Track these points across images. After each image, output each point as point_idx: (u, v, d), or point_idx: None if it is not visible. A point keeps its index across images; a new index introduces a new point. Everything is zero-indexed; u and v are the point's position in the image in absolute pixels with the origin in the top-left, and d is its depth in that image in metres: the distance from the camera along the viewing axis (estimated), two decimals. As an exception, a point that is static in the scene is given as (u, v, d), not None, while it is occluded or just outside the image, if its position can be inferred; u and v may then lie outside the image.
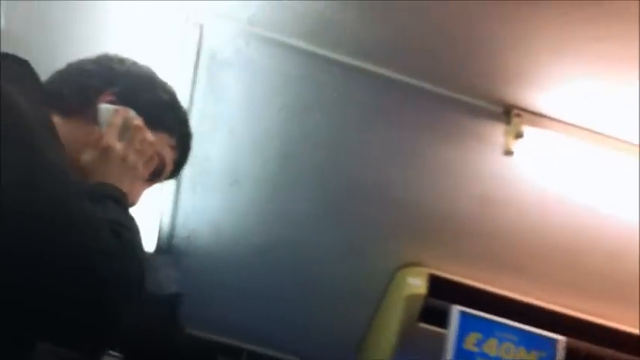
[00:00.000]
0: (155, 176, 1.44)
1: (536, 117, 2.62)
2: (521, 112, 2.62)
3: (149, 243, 3.78)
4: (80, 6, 2.62)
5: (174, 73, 2.84)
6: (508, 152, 2.68)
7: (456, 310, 3.46)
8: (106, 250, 1.05)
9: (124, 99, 1.38)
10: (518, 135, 2.61)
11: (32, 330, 1.04)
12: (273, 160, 3.19)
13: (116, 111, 1.34)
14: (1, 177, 0.95)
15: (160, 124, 1.43)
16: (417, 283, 3.59)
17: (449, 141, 2.90)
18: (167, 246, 3.83)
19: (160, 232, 3.73)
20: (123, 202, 1.25)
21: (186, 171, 3.29)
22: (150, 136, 1.37)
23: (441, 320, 3.50)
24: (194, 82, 2.88)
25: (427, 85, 2.69)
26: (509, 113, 2.65)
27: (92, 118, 1.33)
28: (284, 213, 3.49)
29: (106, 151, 1.29)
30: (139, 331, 4.65)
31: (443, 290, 3.58)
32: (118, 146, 1.30)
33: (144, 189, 1.43)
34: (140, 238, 1.22)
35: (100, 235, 1.06)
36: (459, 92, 2.69)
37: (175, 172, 1.52)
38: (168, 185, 3.40)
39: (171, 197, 3.48)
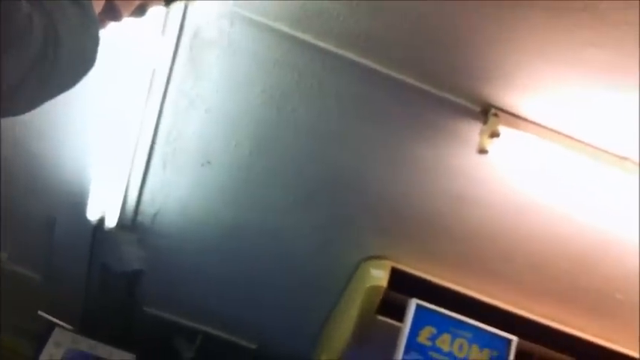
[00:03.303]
0: None
1: (514, 118, 2.64)
2: (499, 112, 2.64)
3: (112, 217, 3.74)
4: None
5: (154, 49, 2.82)
6: (482, 151, 2.70)
7: (412, 303, 3.49)
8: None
9: None
10: (494, 134, 2.62)
11: None
12: (247, 144, 3.17)
13: None
14: None
15: None
16: (378, 275, 3.60)
17: (425, 136, 2.91)
18: (132, 222, 3.79)
19: (124, 207, 3.69)
20: None
21: (158, 147, 3.28)
22: None
23: (400, 314, 3.52)
24: (174, 59, 2.85)
25: (408, 79, 2.70)
26: (486, 112, 2.67)
27: None
28: (254, 197, 3.48)
29: None
30: (96, 305, 4.64)
31: (404, 284, 3.60)
32: None
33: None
34: (80, 35, 1.10)
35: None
36: (438, 88, 2.70)
37: None
38: (138, 160, 3.36)
39: (140, 172, 3.44)
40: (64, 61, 1.05)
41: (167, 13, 2.66)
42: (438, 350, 3.46)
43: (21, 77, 0.99)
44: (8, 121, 2.88)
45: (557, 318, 3.63)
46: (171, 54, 2.83)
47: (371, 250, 3.63)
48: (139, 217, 3.77)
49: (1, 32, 0.95)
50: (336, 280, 3.84)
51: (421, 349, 3.44)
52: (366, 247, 3.62)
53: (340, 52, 2.68)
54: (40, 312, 4.63)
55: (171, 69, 2.90)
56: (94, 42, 1.14)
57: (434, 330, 3.48)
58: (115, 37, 2.66)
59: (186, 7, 2.67)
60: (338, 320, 3.99)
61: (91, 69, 1.16)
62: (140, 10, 1.38)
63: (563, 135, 2.65)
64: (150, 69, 2.92)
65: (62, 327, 4.63)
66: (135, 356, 4.52)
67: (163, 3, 1.47)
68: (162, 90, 2.99)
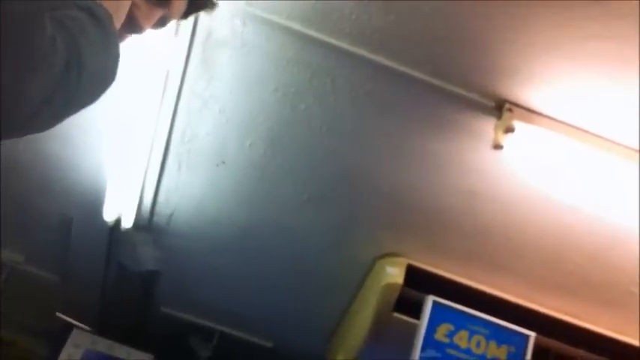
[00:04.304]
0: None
1: (528, 113, 2.63)
2: (513, 107, 2.63)
3: (128, 218, 3.76)
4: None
5: (168, 50, 2.83)
6: (497, 146, 2.70)
7: (429, 300, 3.49)
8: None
9: None
10: (509, 129, 2.61)
11: None
12: (261, 143, 3.18)
13: None
14: None
15: None
16: (394, 273, 3.60)
17: (439, 132, 2.91)
18: (147, 222, 3.81)
19: (140, 207, 3.71)
20: (99, 16, 1.12)
21: (173, 148, 3.29)
22: None
23: (417, 311, 3.52)
24: (187, 60, 2.87)
25: (421, 76, 2.70)
26: (500, 107, 2.66)
27: None
28: (268, 196, 3.49)
29: None
30: (113, 305, 4.67)
31: (420, 281, 3.59)
32: None
33: (151, 13, 1.35)
34: (98, 54, 1.10)
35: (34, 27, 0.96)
36: (452, 84, 2.70)
37: None
38: (153, 160, 3.38)
39: (155, 173, 3.46)
40: (87, 81, 1.07)
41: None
42: (456, 347, 3.45)
43: (46, 97, 1.01)
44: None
45: (571, 312, 3.62)
46: (185, 55, 2.84)
47: (385, 247, 3.63)
48: (155, 218, 3.79)
49: (27, 54, 0.96)
50: (351, 277, 3.84)
51: (438, 346, 3.43)
52: (380, 244, 3.62)
53: (353, 49, 2.68)
54: (58, 313, 4.66)
55: (184, 70, 2.92)
56: (115, 61, 1.16)
57: (451, 327, 3.48)
58: (128, 40, 2.70)
59: (199, 9, 2.68)
60: (353, 318, 3.99)
61: (110, 85, 1.17)
62: (160, 22, 1.41)
63: (578, 129, 2.64)
64: (164, 70, 2.94)
65: (81, 328, 4.66)
66: (153, 356, 4.55)
67: (182, 16, 1.49)
68: (177, 91, 3.00)
